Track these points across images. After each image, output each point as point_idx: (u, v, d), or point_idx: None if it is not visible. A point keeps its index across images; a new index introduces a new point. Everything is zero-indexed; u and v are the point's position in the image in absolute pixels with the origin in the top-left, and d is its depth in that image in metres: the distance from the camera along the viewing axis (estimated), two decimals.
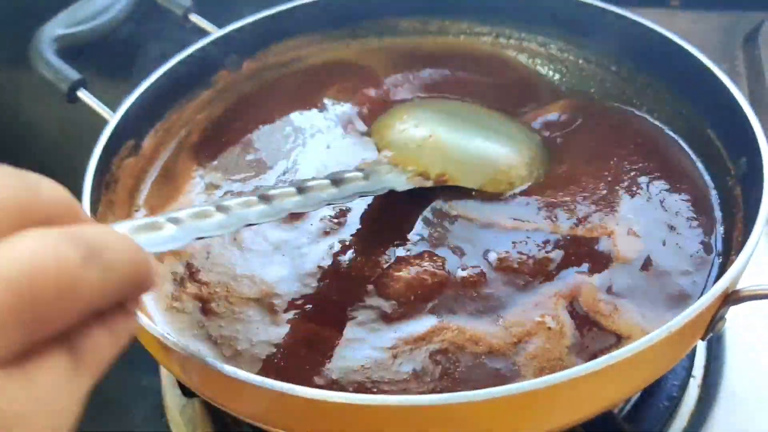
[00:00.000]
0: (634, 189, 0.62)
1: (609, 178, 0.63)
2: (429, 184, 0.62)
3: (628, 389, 0.52)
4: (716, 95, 0.64)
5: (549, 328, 0.52)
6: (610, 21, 0.74)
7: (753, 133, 0.58)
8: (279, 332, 0.53)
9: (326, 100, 0.75)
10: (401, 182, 0.61)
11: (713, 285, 0.49)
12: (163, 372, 0.72)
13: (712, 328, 0.51)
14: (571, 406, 0.48)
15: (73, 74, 0.69)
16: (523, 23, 0.80)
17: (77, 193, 0.59)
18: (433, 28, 0.84)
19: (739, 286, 0.50)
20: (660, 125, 0.70)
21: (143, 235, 0.39)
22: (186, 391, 0.66)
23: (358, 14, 0.83)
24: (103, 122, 0.66)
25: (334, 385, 0.50)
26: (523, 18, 0.80)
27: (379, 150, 0.66)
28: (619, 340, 0.52)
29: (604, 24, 0.74)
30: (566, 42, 0.79)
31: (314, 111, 0.74)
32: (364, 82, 0.77)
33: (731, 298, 0.49)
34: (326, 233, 0.60)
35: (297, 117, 0.74)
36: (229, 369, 0.45)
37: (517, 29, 0.81)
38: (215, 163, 0.70)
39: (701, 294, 0.54)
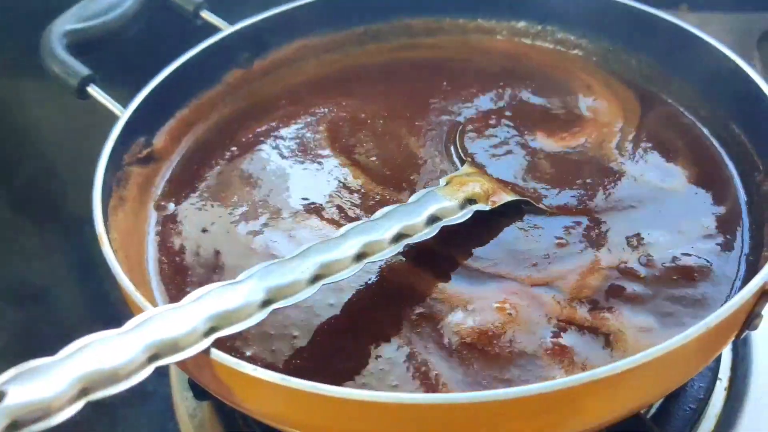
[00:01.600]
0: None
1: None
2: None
3: (660, 390, 0.51)
4: (743, 91, 0.63)
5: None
6: (632, 16, 0.73)
7: None
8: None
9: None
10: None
11: (744, 282, 0.47)
12: (173, 376, 0.70)
13: (748, 325, 0.49)
14: (600, 407, 0.46)
15: (83, 70, 0.67)
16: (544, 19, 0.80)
17: (88, 189, 0.58)
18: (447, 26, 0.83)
19: None
20: (690, 119, 0.69)
21: None
22: (198, 394, 0.64)
23: (373, 13, 0.81)
24: (114, 118, 0.65)
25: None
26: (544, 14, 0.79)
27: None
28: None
29: (628, 19, 0.73)
30: (584, 35, 0.78)
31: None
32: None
33: None
34: None
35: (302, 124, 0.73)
36: (262, 371, 0.43)
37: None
38: (227, 159, 0.69)
39: (729, 294, 0.53)
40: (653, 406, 0.62)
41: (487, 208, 0.59)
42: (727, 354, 0.66)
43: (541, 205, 0.61)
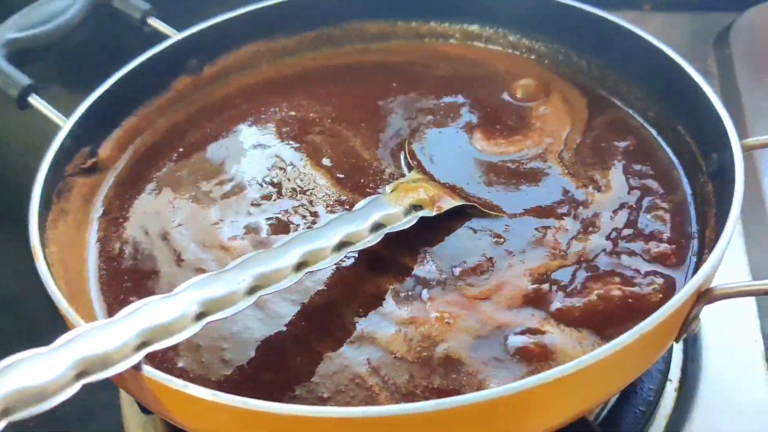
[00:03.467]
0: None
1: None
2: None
3: (601, 394, 0.50)
4: (686, 91, 0.63)
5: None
6: (583, 19, 0.73)
7: (723, 128, 0.57)
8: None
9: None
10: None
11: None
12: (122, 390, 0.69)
13: (686, 328, 0.49)
14: (541, 413, 0.46)
15: (24, 79, 0.66)
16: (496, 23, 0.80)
17: (26, 201, 0.57)
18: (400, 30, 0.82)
19: (712, 284, 0.49)
20: (638, 122, 0.69)
21: None
22: (143, 408, 0.63)
23: (325, 17, 0.81)
24: (56, 129, 0.64)
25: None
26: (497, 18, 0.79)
27: None
28: None
29: (580, 23, 0.73)
30: (537, 38, 0.78)
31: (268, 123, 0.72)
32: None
33: (705, 296, 0.48)
34: None
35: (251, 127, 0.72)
36: (194, 388, 0.42)
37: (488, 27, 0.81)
38: (174, 168, 0.68)
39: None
40: (604, 408, 0.62)
41: (433, 213, 0.59)
42: (677, 355, 0.66)
43: (486, 210, 0.60)
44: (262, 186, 0.65)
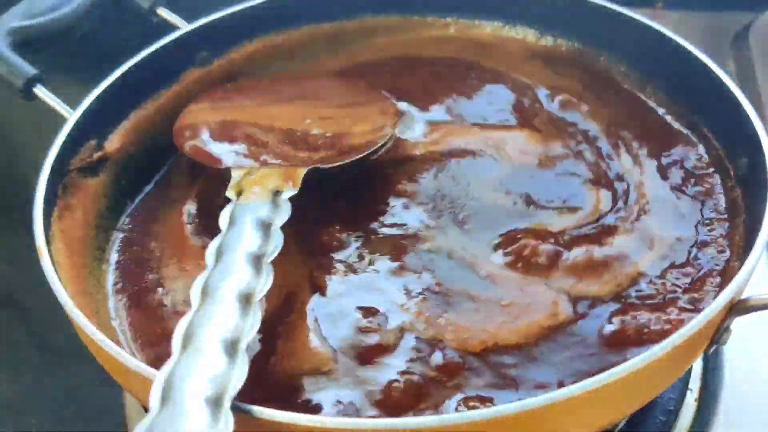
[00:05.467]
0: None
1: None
2: None
3: (627, 408, 0.49)
4: (713, 93, 0.61)
5: None
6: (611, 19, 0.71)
7: (754, 132, 0.55)
8: None
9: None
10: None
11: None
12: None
13: (717, 339, 0.47)
14: (569, 425, 0.44)
15: (30, 69, 0.64)
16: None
17: (30, 196, 0.55)
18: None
19: (745, 295, 0.47)
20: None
21: None
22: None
23: (342, 11, 0.78)
24: (62, 121, 0.62)
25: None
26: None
27: None
28: None
29: (602, 22, 0.71)
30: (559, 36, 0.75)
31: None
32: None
33: (738, 307, 0.46)
34: None
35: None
36: None
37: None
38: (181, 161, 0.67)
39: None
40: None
41: (296, 190, 0.55)
42: (697, 364, 0.64)
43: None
44: None
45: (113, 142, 0.66)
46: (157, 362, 0.43)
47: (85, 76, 0.67)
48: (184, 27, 0.72)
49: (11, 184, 0.81)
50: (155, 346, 0.52)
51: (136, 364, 0.44)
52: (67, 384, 0.69)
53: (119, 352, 0.45)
